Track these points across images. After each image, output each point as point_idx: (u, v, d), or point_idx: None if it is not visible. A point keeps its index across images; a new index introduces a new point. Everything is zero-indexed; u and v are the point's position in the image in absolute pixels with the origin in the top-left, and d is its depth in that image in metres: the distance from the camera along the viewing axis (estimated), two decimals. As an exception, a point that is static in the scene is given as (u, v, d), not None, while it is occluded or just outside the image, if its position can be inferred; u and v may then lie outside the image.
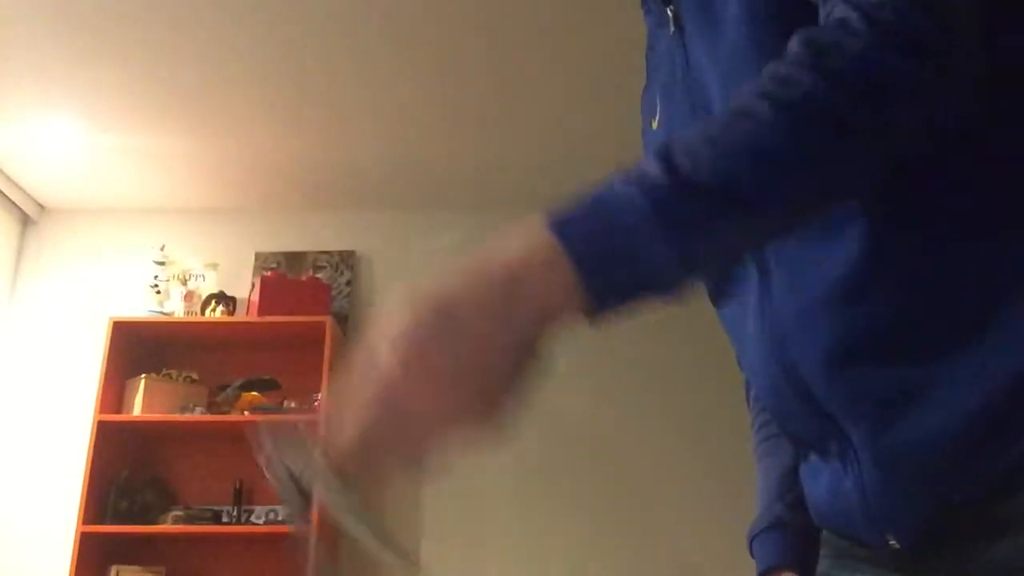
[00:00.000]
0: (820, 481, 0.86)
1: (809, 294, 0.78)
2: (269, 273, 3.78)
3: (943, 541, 0.75)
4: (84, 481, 3.31)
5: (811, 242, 0.77)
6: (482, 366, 0.65)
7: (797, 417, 0.84)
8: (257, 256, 3.98)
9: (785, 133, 0.67)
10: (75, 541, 3.24)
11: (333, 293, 3.86)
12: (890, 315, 0.74)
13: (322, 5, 2.85)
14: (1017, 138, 0.73)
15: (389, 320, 0.66)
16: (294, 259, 3.97)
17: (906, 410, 0.73)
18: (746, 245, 0.73)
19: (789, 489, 1.04)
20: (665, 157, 0.67)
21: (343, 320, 3.85)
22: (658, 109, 0.96)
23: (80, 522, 3.26)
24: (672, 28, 0.91)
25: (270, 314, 3.55)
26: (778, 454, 1.09)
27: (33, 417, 3.73)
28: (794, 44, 0.70)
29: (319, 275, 3.89)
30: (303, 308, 3.60)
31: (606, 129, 3.49)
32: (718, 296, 0.94)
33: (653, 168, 0.67)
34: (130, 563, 3.41)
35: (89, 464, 3.33)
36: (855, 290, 0.74)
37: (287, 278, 3.78)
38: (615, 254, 0.65)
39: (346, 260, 3.98)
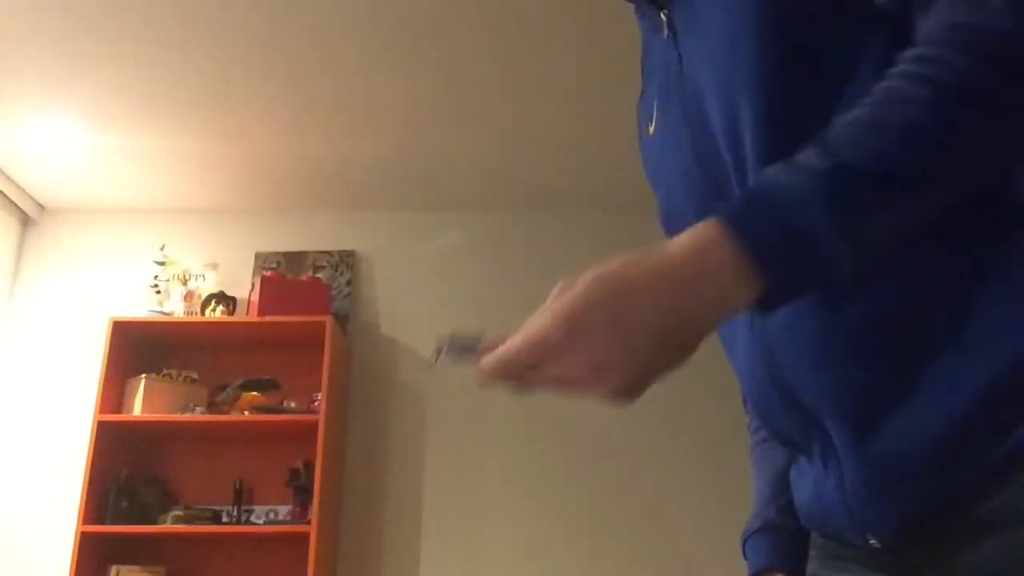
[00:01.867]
0: (806, 482, 0.86)
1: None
2: (269, 273, 3.78)
3: (926, 542, 0.75)
4: (84, 481, 3.31)
5: None
6: (644, 343, 0.66)
7: (782, 418, 0.84)
8: (257, 256, 3.98)
9: (950, 113, 0.67)
10: (75, 541, 3.24)
11: (333, 293, 3.86)
12: (871, 318, 0.74)
13: (322, 5, 2.85)
14: None
15: (565, 290, 0.69)
16: (294, 259, 3.97)
17: (887, 412, 0.74)
18: (916, 227, 0.72)
19: (782, 492, 1.05)
20: (828, 149, 0.68)
21: (343, 320, 3.85)
22: (654, 114, 0.96)
23: (80, 522, 3.26)
24: (666, 32, 0.91)
25: (270, 314, 3.55)
26: (772, 457, 1.10)
27: (33, 417, 3.73)
28: (936, 27, 0.70)
29: (319, 275, 3.89)
30: (303, 308, 3.60)
31: (607, 129, 3.49)
32: None
33: (817, 160, 0.67)
34: (130, 563, 3.41)
35: (89, 464, 3.33)
36: (838, 294, 0.75)
37: (287, 278, 3.78)
38: (791, 244, 0.66)
39: (346, 260, 3.98)
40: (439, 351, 0.75)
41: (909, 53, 0.70)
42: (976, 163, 0.69)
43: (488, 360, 0.70)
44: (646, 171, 1.01)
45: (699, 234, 0.67)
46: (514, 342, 0.69)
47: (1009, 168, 0.74)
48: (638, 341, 0.66)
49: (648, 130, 0.98)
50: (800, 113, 0.77)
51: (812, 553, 0.92)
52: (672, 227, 0.94)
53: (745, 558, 1.11)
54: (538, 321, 0.69)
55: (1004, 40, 0.67)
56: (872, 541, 0.79)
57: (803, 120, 0.76)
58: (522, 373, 0.69)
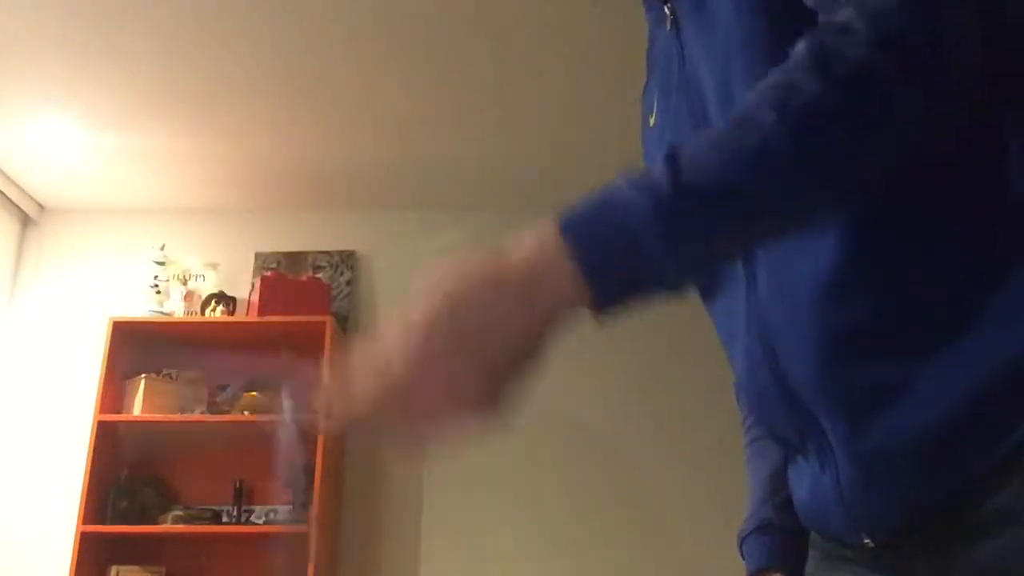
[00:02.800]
0: (803, 481, 0.86)
1: (792, 294, 0.78)
2: (269, 273, 3.78)
3: (922, 543, 0.75)
4: (84, 481, 3.31)
5: (794, 243, 0.77)
6: (488, 356, 0.68)
7: (780, 416, 0.84)
8: (257, 256, 3.98)
9: (788, 139, 0.67)
10: (75, 541, 3.24)
11: (333, 293, 3.86)
12: (868, 317, 0.74)
13: (322, 6, 2.85)
14: (989, 146, 0.73)
15: (406, 310, 0.70)
16: (294, 259, 3.97)
17: (882, 410, 0.73)
18: (744, 248, 0.75)
19: (777, 491, 1.06)
20: (671, 162, 0.69)
21: (343, 320, 3.85)
22: (655, 106, 0.96)
23: (80, 522, 3.26)
24: (669, 25, 0.92)
25: (270, 314, 3.55)
26: (767, 455, 1.10)
27: (33, 417, 3.73)
28: (800, 48, 0.70)
29: (319, 275, 3.89)
30: (303, 308, 3.59)
31: (607, 129, 3.49)
32: (707, 294, 0.94)
33: (659, 172, 0.69)
34: (130, 563, 3.42)
35: (89, 464, 3.33)
36: (836, 291, 0.75)
37: (287, 278, 3.78)
38: (617, 256, 0.68)
39: (346, 260, 3.98)
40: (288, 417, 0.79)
41: (772, 75, 0.71)
42: (821, 189, 0.70)
43: (343, 410, 0.74)
44: (644, 163, 1.02)
45: (536, 239, 0.69)
46: (367, 389, 0.71)
47: (1006, 173, 0.73)
48: (478, 359, 0.67)
49: (650, 122, 0.99)
50: None
51: (812, 553, 0.92)
52: None
53: (743, 558, 1.11)
54: (388, 359, 0.70)
55: (861, 63, 0.68)
56: (867, 541, 0.79)
57: None
58: (385, 415, 0.71)
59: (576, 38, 3.00)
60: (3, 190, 3.78)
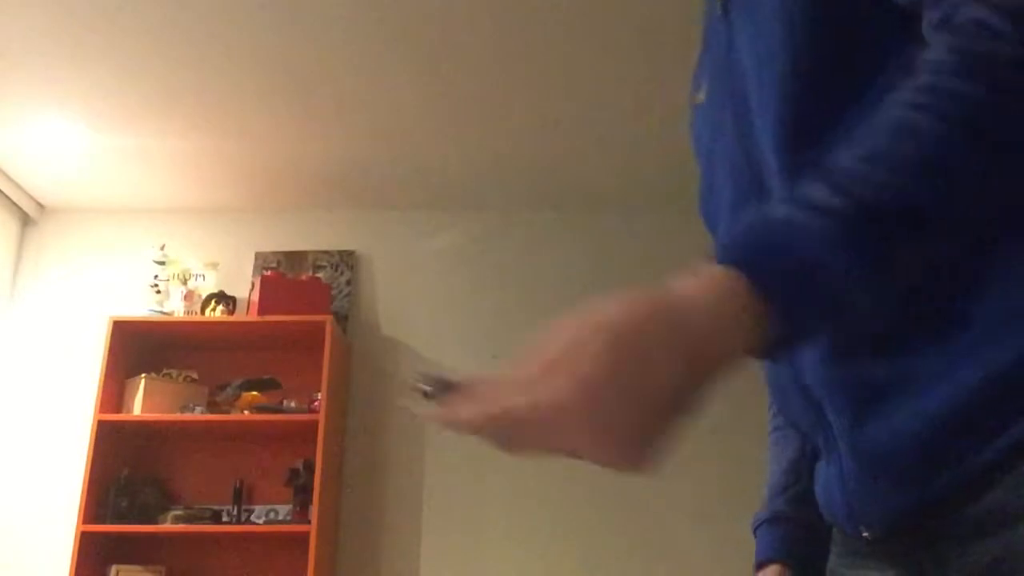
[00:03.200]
0: (819, 472, 0.88)
1: None
2: (269, 273, 3.78)
3: (923, 539, 0.75)
4: (84, 481, 3.31)
5: None
6: (651, 399, 0.60)
7: (796, 407, 0.85)
8: (257, 256, 3.98)
9: (962, 147, 0.65)
10: (75, 541, 3.24)
11: (333, 293, 3.86)
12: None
13: (322, 5, 2.86)
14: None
15: (567, 332, 0.62)
16: (294, 259, 3.97)
17: (882, 407, 0.74)
18: (928, 262, 0.69)
19: (793, 482, 1.08)
20: (833, 184, 0.64)
21: (343, 320, 3.85)
22: (704, 85, 0.97)
23: (80, 522, 3.26)
24: (719, 9, 0.92)
25: (270, 314, 3.55)
26: (784, 445, 1.13)
27: (33, 417, 3.73)
28: (939, 51, 0.68)
29: (319, 275, 3.89)
30: (303, 308, 3.60)
31: (607, 129, 3.49)
32: None
33: (825, 196, 0.64)
34: (130, 563, 3.42)
35: (89, 464, 3.33)
36: None
37: (287, 278, 3.78)
38: (808, 288, 0.62)
39: (346, 260, 3.98)
40: (423, 390, 0.67)
41: (916, 81, 0.68)
42: (998, 194, 0.68)
43: (476, 409, 0.64)
44: (691, 139, 1.02)
45: (714, 281, 0.62)
46: (518, 401, 0.62)
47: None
48: (656, 408, 0.60)
49: (698, 98, 0.98)
50: (828, 104, 0.77)
51: (833, 548, 0.93)
52: (708, 202, 0.95)
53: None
54: (546, 378, 0.61)
55: (1015, 62, 0.65)
56: (865, 533, 0.80)
57: (831, 111, 0.76)
58: (514, 432, 0.63)
59: (576, 39, 3.00)
60: (3, 190, 3.78)
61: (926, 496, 0.73)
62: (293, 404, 3.55)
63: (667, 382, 0.59)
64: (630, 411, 0.59)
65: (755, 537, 1.13)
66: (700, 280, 0.62)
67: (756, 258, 0.63)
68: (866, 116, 0.69)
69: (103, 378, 3.44)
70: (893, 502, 0.76)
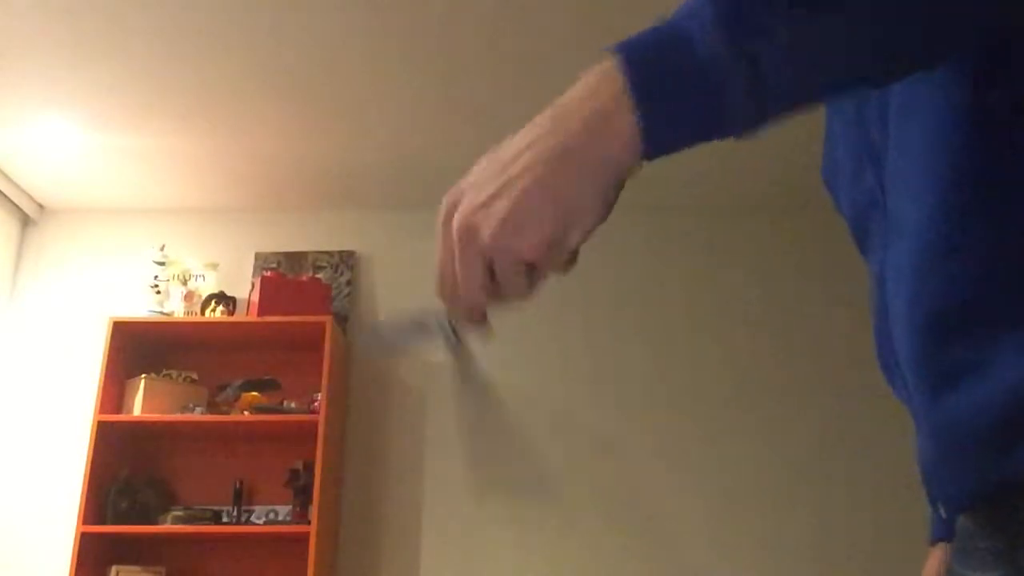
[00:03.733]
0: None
1: (899, 259, 0.77)
2: (269, 273, 3.78)
3: (996, 524, 0.74)
4: (84, 481, 3.31)
5: (905, 200, 0.74)
6: (556, 195, 0.65)
7: (897, 386, 0.85)
8: (257, 256, 3.98)
9: None
10: (75, 541, 3.24)
11: (333, 293, 3.86)
12: (952, 292, 0.72)
13: (323, 6, 2.85)
14: None
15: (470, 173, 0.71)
16: (294, 259, 3.97)
17: (957, 388, 0.72)
18: (824, 75, 0.64)
19: None
20: None
21: (343, 320, 3.85)
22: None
23: (80, 522, 3.26)
24: None
25: (270, 314, 3.55)
26: None
27: (33, 417, 3.73)
28: None
29: (319, 275, 3.89)
30: (303, 308, 3.60)
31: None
32: (863, 251, 0.91)
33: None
34: (130, 563, 3.42)
35: (89, 464, 3.33)
36: (926, 261, 0.72)
37: (287, 278, 3.78)
38: (679, 70, 0.60)
39: (346, 260, 3.98)
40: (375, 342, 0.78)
41: None
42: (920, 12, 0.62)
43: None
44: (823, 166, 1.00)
45: (595, 76, 0.64)
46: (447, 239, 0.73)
47: None
48: (524, 173, 0.67)
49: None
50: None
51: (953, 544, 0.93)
52: (830, 177, 0.93)
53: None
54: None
55: None
56: (941, 511, 0.80)
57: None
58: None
59: (576, 39, 3.00)
60: (3, 190, 3.78)
61: (985, 484, 0.71)
62: (293, 404, 3.55)
63: (558, 177, 0.65)
64: (539, 203, 0.66)
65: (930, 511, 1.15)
66: (587, 81, 0.65)
67: (629, 44, 0.63)
68: None
69: (103, 378, 3.44)
70: (959, 485, 0.75)
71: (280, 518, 3.53)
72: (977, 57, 0.68)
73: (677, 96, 0.61)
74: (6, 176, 3.78)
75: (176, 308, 3.69)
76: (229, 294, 3.75)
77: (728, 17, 0.59)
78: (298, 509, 3.45)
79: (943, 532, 1.12)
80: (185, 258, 3.81)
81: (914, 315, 0.75)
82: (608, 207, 0.69)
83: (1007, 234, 0.69)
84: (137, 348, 3.65)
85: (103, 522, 3.36)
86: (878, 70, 0.66)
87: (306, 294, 3.67)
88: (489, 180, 0.72)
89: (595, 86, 0.64)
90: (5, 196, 3.82)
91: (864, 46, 0.63)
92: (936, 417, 0.75)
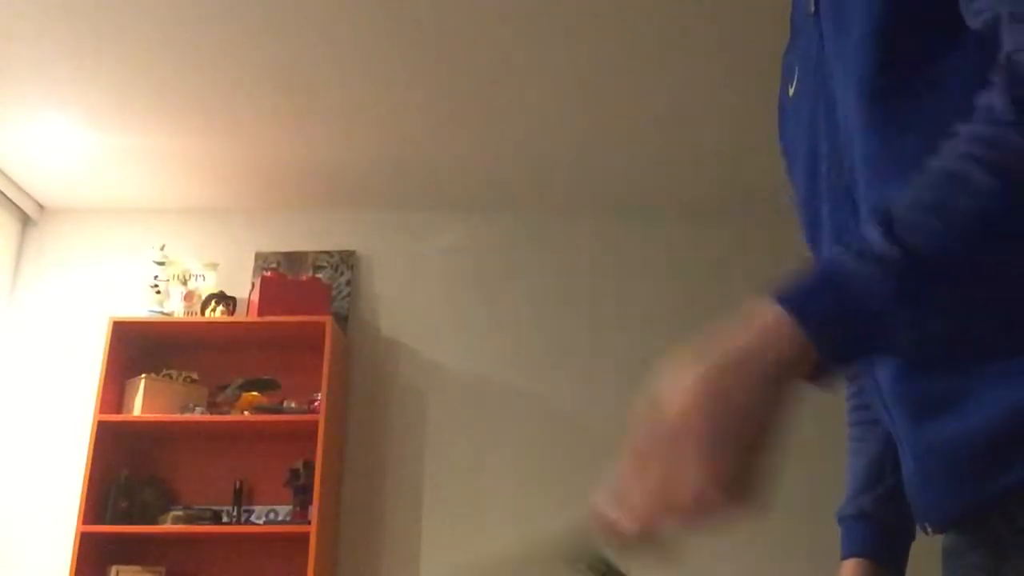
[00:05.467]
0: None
1: None
2: (269, 273, 3.78)
3: (977, 542, 0.77)
4: (84, 481, 3.31)
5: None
6: (742, 436, 0.67)
7: (876, 408, 0.89)
8: (257, 256, 3.98)
9: (1010, 201, 0.66)
10: (75, 541, 3.24)
11: (333, 293, 3.86)
12: (940, 328, 0.75)
13: (322, 5, 2.85)
14: None
15: (653, 405, 0.73)
16: (294, 259, 3.97)
17: (936, 414, 0.77)
18: (977, 313, 0.73)
19: (879, 480, 1.15)
20: (889, 231, 0.68)
21: (343, 320, 3.85)
22: (795, 79, 0.99)
23: (80, 522, 3.26)
24: (811, 7, 0.92)
25: (270, 314, 3.55)
26: (868, 440, 1.19)
27: (33, 417, 3.73)
28: (995, 100, 0.69)
29: (319, 275, 3.89)
30: (303, 308, 3.60)
31: (606, 129, 3.49)
32: (812, 239, 0.98)
33: (880, 244, 0.68)
34: (130, 563, 3.42)
35: (89, 464, 3.33)
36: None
37: (287, 278, 3.78)
38: (857, 336, 0.68)
39: (346, 260, 3.98)
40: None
41: (969, 130, 0.69)
42: None
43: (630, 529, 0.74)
44: (780, 135, 1.05)
45: (768, 322, 0.68)
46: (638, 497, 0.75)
47: None
48: (749, 440, 0.68)
49: (788, 91, 1.01)
50: (900, 114, 0.80)
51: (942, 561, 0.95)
52: (803, 208, 0.97)
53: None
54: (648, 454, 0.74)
55: None
56: (928, 530, 0.84)
57: (905, 121, 0.79)
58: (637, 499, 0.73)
59: (575, 39, 3.00)
60: (3, 190, 3.78)
61: (967, 506, 0.75)
62: (293, 404, 3.55)
63: (750, 416, 0.67)
64: (724, 452, 0.67)
65: (839, 528, 1.21)
66: (751, 321, 0.69)
67: (802, 299, 0.68)
68: (938, 111, 0.73)
69: (103, 378, 3.44)
70: (943, 506, 0.79)
71: (280, 518, 3.53)
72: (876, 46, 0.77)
73: (854, 358, 0.71)
74: (6, 176, 3.78)
75: (176, 308, 3.69)
76: (229, 294, 3.75)
77: (910, 300, 0.67)
78: (298, 509, 3.45)
79: (855, 548, 1.17)
80: (185, 258, 3.81)
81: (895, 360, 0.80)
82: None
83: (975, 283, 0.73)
84: (137, 348, 3.65)
85: (103, 522, 3.36)
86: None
87: (306, 294, 3.67)
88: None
89: (782, 352, 0.68)
90: (5, 196, 3.82)
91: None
92: (918, 442, 0.79)
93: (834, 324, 0.67)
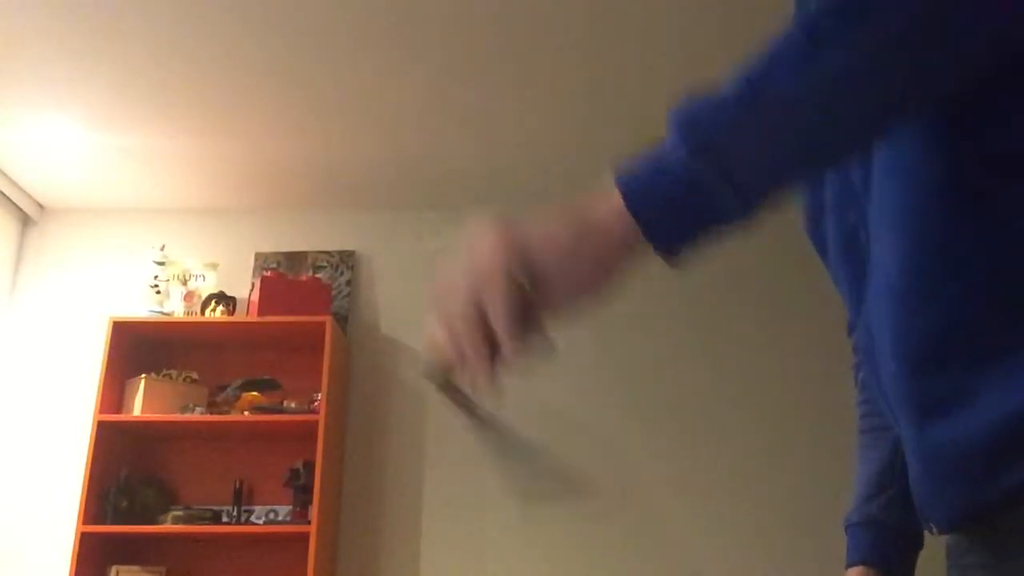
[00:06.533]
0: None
1: (879, 293, 0.82)
2: (269, 273, 3.78)
3: (981, 543, 0.77)
4: (84, 481, 3.31)
5: (883, 241, 0.80)
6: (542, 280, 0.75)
7: (884, 410, 0.89)
8: (257, 256, 3.98)
9: (837, 42, 0.67)
10: (75, 541, 3.24)
11: (333, 293, 3.86)
12: (938, 326, 0.76)
13: (322, 5, 2.85)
14: None
15: (472, 241, 0.79)
16: (294, 259, 3.97)
17: (940, 415, 0.76)
18: (793, 162, 0.73)
19: (887, 487, 1.15)
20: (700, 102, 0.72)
21: (343, 320, 3.85)
22: None
23: (80, 522, 3.26)
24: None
25: (270, 314, 3.55)
26: (877, 447, 1.19)
27: (33, 417, 3.73)
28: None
29: (319, 275, 3.89)
30: (303, 308, 3.60)
31: (606, 128, 3.49)
32: (837, 282, 0.98)
33: (688, 102, 0.72)
34: (130, 563, 3.42)
35: (89, 464, 3.33)
36: (907, 302, 0.77)
37: (287, 278, 3.78)
38: (666, 195, 0.71)
39: (346, 260, 3.98)
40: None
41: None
42: (875, 91, 0.68)
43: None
44: None
45: (598, 195, 0.74)
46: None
47: None
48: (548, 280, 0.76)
49: None
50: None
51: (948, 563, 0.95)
52: (814, 236, 0.98)
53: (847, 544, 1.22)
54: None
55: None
56: (934, 529, 0.84)
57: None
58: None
59: (575, 40, 3.00)
60: (3, 190, 3.78)
61: (971, 506, 0.75)
62: (293, 404, 3.55)
63: (567, 275, 0.75)
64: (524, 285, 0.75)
65: (846, 535, 1.21)
66: (594, 200, 0.75)
67: (626, 174, 0.74)
68: None
69: (103, 378, 3.44)
70: (948, 506, 0.79)
71: (280, 518, 3.53)
72: (947, 120, 0.74)
73: (671, 212, 0.73)
74: (6, 176, 3.78)
75: (176, 308, 3.69)
76: (229, 294, 3.75)
77: (697, 149, 0.70)
78: (298, 509, 3.45)
79: (861, 555, 1.18)
80: (185, 258, 3.81)
81: (898, 351, 0.80)
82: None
83: (975, 288, 0.74)
84: (137, 348, 3.65)
85: (103, 522, 3.36)
86: (838, 148, 0.75)
87: (306, 294, 3.67)
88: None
89: (610, 228, 0.74)
90: (5, 196, 3.82)
91: (822, 133, 0.72)
92: (923, 444, 0.79)
93: (645, 186, 0.72)
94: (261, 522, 3.53)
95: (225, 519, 3.51)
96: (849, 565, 1.18)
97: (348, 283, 3.94)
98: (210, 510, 3.51)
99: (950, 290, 0.74)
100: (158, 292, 3.69)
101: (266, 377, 3.60)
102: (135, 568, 3.40)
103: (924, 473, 0.80)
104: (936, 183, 0.75)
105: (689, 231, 0.73)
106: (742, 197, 0.71)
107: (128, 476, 3.48)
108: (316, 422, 3.41)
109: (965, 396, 0.74)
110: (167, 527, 3.39)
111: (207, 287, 3.75)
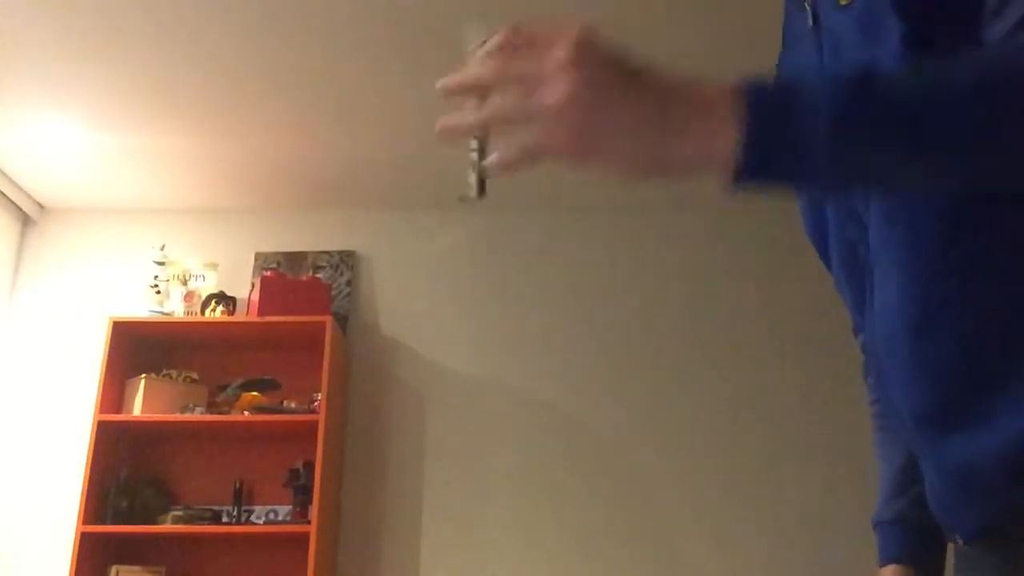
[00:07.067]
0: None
1: (889, 317, 0.82)
2: (269, 273, 3.78)
3: (1008, 552, 0.78)
4: (84, 481, 3.31)
5: (889, 270, 0.80)
6: (606, 134, 0.70)
7: (894, 422, 0.89)
8: (257, 256, 3.98)
9: (989, 94, 0.66)
10: (75, 541, 3.24)
11: (333, 293, 3.86)
12: (955, 346, 0.76)
13: (323, 5, 2.85)
14: None
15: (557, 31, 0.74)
16: (294, 259, 3.97)
17: (958, 433, 0.77)
18: (901, 180, 0.73)
19: (911, 484, 1.14)
20: (870, 72, 0.68)
21: (343, 320, 3.85)
22: None
23: (80, 522, 3.26)
24: (810, 21, 0.92)
25: (270, 314, 3.55)
26: (896, 444, 1.17)
27: (33, 417, 3.73)
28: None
29: (319, 275, 3.89)
30: (303, 308, 3.60)
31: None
32: (841, 290, 0.98)
33: (854, 73, 0.68)
34: (130, 563, 3.42)
35: (89, 464, 3.33)
36: (919, 325, 0.78)
37: (287, 278, 3.78)
38: (781, 133, 0.67)
39: (346, 260, 3.98)
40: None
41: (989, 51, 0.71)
42: (994, 153, 0.68)
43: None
44: None
45: (716, 87, 0.69)
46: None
47: None
48: (613, 122, 0.70)
49: None
50: None
51: (954, 562, 0.95)
52: (812, 233, 0.98)
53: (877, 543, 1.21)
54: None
55: None
56: (959, 540, 0.84)
57: None
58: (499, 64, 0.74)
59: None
60: (3, 190, 3.78)
61: (998, 510, 0.76)
62: (293, 404, 3.55)
63: (632, 111, 0.69)
64: (592, 104, 0.70)
65: (875, 534, 1.20)
66: (708, 86, 0.69)
67: (758, 81, 0.69)
68: None
69: (103, 378, 3.44)
70: (970, 519, 0.79)
71: (280, 518, 3.53)
72: None
73: (779, 155, 0.68)
74: (6, 176, 3.78)
75: (176, 308, 3.69)
76: (229, 294, 3.75)
77: (845, 129, 0.67)
78: (298, 509, 3.45)
79: (893, 553, 1.17)
80: (185, 258, 3.81)
81: (912, 373, 0.80)
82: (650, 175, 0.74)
83: (990, 312, 0.74)
84: (137, 348, 3.65)
85: (103, 522, 3.36)
86: (927, 185, 0.74)
87: (306, 294, 3.67)
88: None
89: (713, 115, 0.68)
90: (5, 196, 3.82)
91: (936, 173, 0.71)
92: (941, 461, 0.80)
93: (768, 110, 0.67)
94: (261, 522, 3.53)
95: (225, 519, 3.51)
96: (882, 564, 1.18)
97: (348, 283, 3.94)
98: (210, 510, 3.51)
99: (963, 322, 0.75)
100: (158, 292, 3.70)
101: (266, 377, 3.60)
102: (135, 568, 3.40)
103: (943, 488, 0.81)
104: (943, 208, 0.76)
105: (776, 172, 0.69)
106: (831, 178, 0.70)
107: (128, 476, 3.48)
108: (316, 422, 3.41)
109: (988, 410, 0.74)
110: (167, 527, 3.39)
111: (207, 287, 3.75)
